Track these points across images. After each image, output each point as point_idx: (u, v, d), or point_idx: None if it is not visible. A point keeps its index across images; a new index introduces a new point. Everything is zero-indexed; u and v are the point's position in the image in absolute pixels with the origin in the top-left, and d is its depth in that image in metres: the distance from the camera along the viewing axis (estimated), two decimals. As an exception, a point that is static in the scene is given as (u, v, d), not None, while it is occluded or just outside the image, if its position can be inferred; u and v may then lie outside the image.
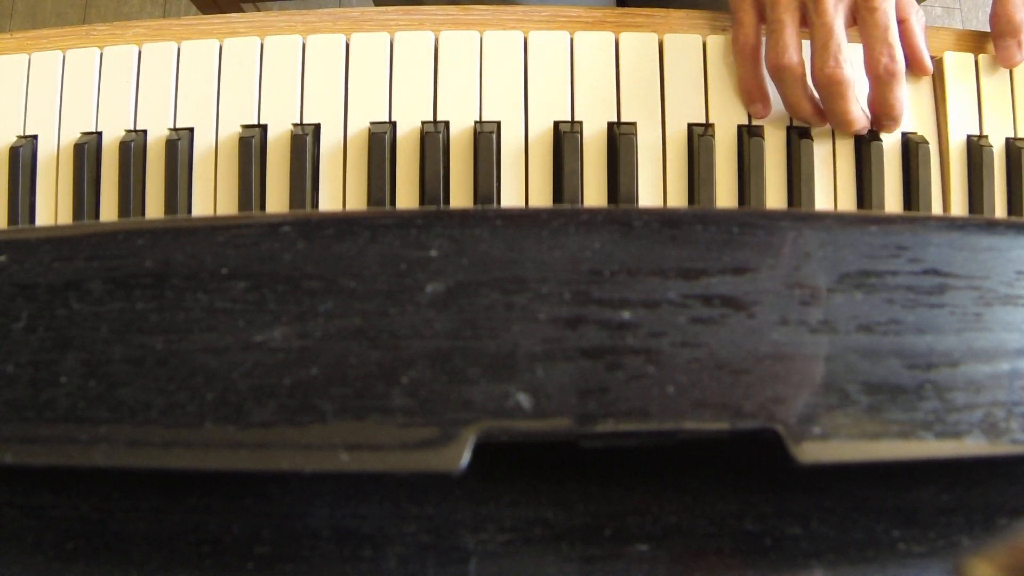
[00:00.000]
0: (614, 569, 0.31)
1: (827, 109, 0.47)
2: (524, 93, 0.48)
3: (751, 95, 0.48)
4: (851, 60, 0.46)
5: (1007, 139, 0.49)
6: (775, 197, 0.47)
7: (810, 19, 0.46)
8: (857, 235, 0.33)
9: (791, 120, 0.48)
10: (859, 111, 0.46)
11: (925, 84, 0.49)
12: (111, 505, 0.32)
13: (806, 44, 0.47)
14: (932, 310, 0.32)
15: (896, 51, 0.45)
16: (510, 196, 0.47)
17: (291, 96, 0.48)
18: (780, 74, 0.46)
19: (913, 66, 0.48)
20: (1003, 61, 0.49)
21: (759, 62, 0.47)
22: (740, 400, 0.30)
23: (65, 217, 0.47)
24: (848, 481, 0.33)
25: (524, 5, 0.51)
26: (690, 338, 0.31)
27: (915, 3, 0.48)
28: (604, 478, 0.33)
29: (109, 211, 0.47)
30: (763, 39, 0.48)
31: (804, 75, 0.46)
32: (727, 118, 0.48)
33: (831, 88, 0.45)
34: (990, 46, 0.50)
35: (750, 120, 0.48)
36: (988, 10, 0.48)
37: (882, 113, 0.47)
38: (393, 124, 0.47)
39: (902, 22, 0.47)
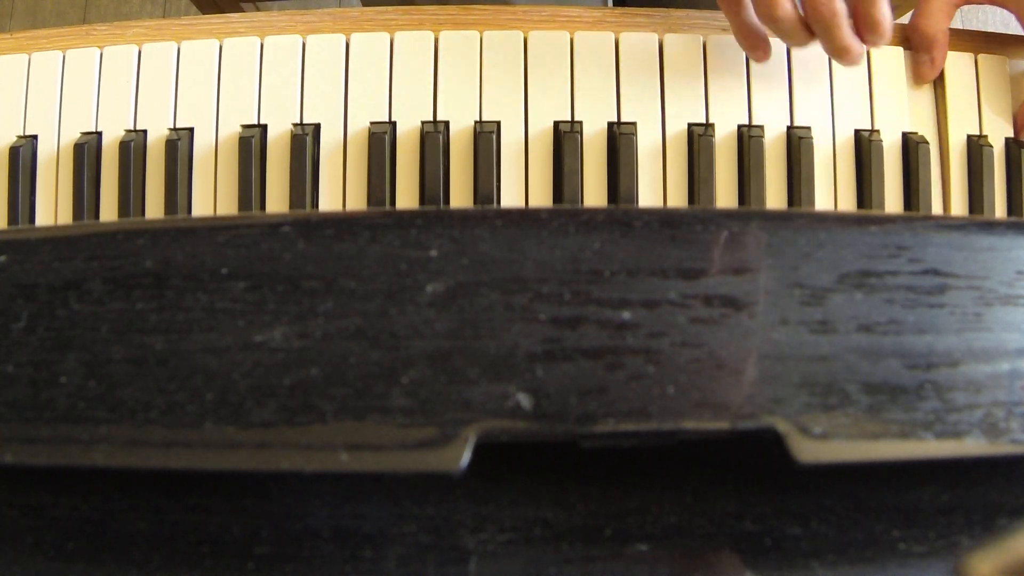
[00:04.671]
0: (614, 569, 0.31)
1: (824, 41, 0.46)
2: (524, 93, 0.48)
3: (750, 42, 0.47)
4: None
5: (1007, 139, 0.49)
6: (775, 197, 0.47)
7: None
8: (857, 235, 0.33)
9: (791, 120, 0.48)
10: (855, 40, 0.46)
11: (929, 84, 0.49)
12: (111, 505, 0.32)
13: None
14: (932, 310, 0.32)
15: None
16: (510, 196, 0.47)
17: (291, 96, 0.48)
18: (776, 25, 0.46)
19: None
20: (916, 77, 0.49)
21: (748, 9, 0.47)
22: (740, 400, 0.30)
23: (65, 217, 0.47)
24: (848, 481, 0.33)
25: (524, 5, 0.51)
26: (690, 338, 0.31)
27: None
28: (604, 478, 0.33)
29: (109, 211, 0.47)
30: None
31: (798, 16, 0.46)
32: (727, 118, 0.48)
33: (828, 19, 0.45)
34: (990, 46, 0.51)
35: (750, 120, 0.48)
36: (988, 10, 0.48)
37: (869, 28, 0.46)
38: (393, 124, 0.47)
39: None
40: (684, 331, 0.31)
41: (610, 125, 0.48)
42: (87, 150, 0.46)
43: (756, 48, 0.47)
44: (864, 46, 0.47)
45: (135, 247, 0.32)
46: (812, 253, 0.32)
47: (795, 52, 0.49)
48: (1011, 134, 0.49)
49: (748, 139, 0.47)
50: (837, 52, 0.46)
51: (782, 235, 0.33)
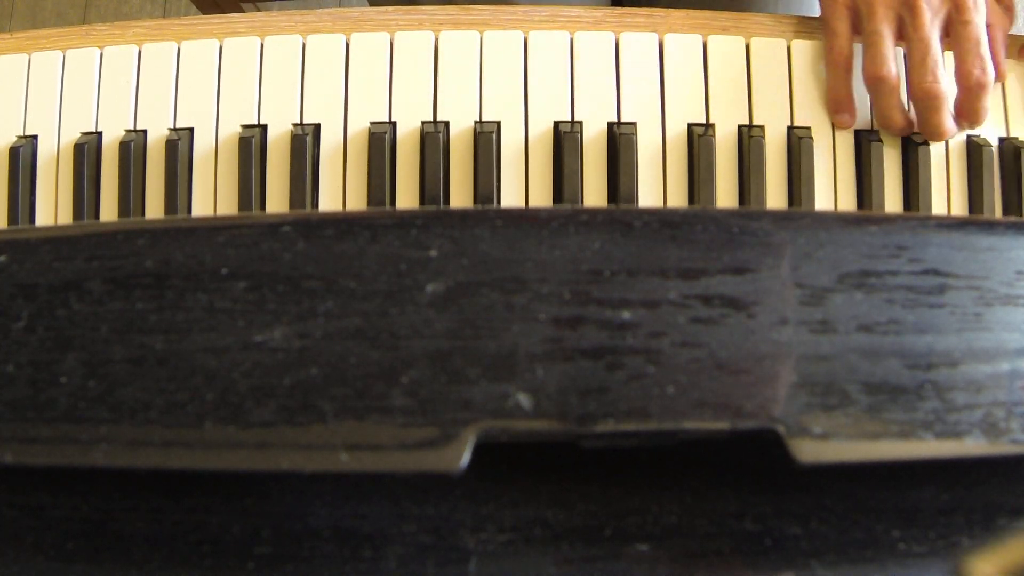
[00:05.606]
0: (614, 569, 0.31)
1: (921, 120, 0.47)
2: (524, 93, 0.48)
3: (840, 105, 0.48)
4: (946, 72, 0.46)
5: (1006, 139, 0.49)
6: (775, 197, 0.47)
7: (907, 33, 0.46)
8: (857, 235, 0.33)
9: (791, 120, 0.48)
10: (952, 123, 0.47)
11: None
12: (111, 505, 0.32)
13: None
14: (932, 310, 0.32)
15: (987, 63, 0.46)
16: (510, 196, 0.47)
17: (291, 96, 0.48)
18: (877, 85, 0.47)
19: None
20: None
21: (851, 72, 0.48)
22: (740, 400, 0.30)
23: (65, 217, 0.47)
24: (848, 481, 0.33)
25: (524, 5, 0.51)
26: (690, 338, 0.31)
27: (1001, 11, 0.49)
28: (604, 478, 0.33)
29: (109, 211, 0.47)
30: (855, 50, 0.48)
31: (899, 86, 0.47)
32: (727, 118, 0.48)
33: (928, 102, 0.46)
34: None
35: (750, 120, 0.48)
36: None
37: (968, 119, 0.47)
38: (393, 124, 0.47)
39: (988, 27, 0.47)
40: (684, 331, 0.31)
41: (610, 125, 0.48)
42: (87, 150, 0.46)
43: (844, 111, 0.48)
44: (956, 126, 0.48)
45: (135, 247, 0.32)
46: (812, 253, 0.32)
47: (795, 51, 0.49)
48: (1011, 134, 0.49)
49: (748, 139, 0.47)
50: (932, 135, 0.47)
51: (782, 235, 0.33)
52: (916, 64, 0.46)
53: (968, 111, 0.47)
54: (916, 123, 0.48)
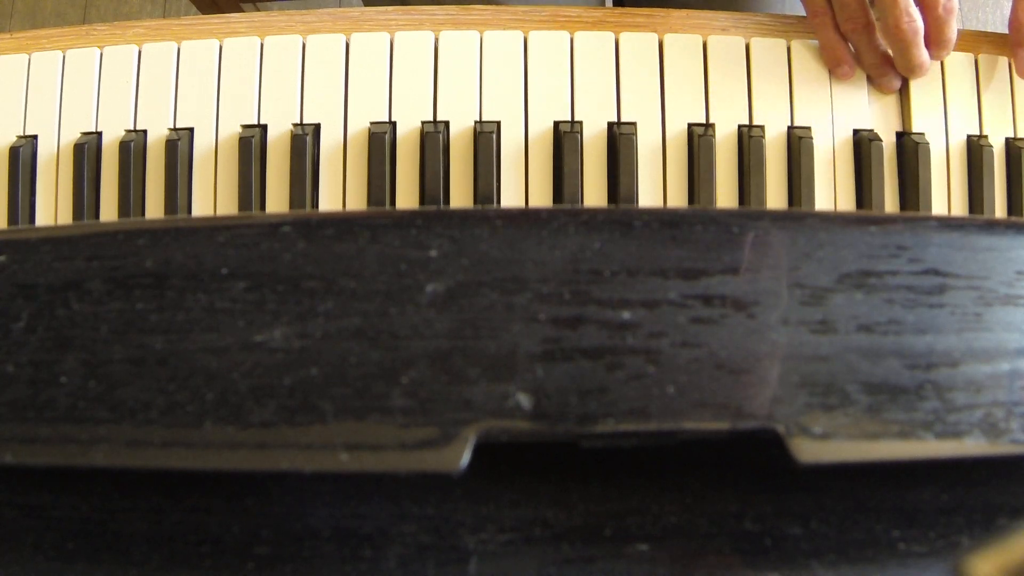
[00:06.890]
0: (614, 569, 0.31)
1: (900, 57, 0.49)
2: (524, 93, 0.48)
3: (837, 59, 0.49)
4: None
5: (1007, 139, 0.49)
6: (775, 197, 0.47)
7: None
8: (857, 235, 0.33)
9: (791, 120, 0.48)
10: (927, 55, 0.48)
11: (930, 84, 0.50)
12: (111, 505, 0.32)
13: None
14: (932, 310, 0.32)
15: None
16: (510, 196, 0.47)
17: (291, 96, 0.48)
18: (857, 37, 0.49)
19: None
20: (1020, 71, 0.50)
21: (837, 28, 0.49)
22: (740, 400, 0.30)
23: (65, 217, 0.47)
24: (848, 481, 0.33)
25: (524, 5, 0.51)
26: (690, 338, 0.31)
27: None
28: (604, 478, 0.33)
29: (109, 211, 0.47)
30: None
31: (875, 32, 0.49)
32: (727, 118, 0.48)
33: (909, 39, 0.47)
34: (990, 46, 0.51)
35: (750, 120, 0.48)
36: (988, 10, 0.49)
37: (940, 47, 0.49)
38: (393, 124, 0.47)
39: None
40: (684, 331, 0.31)
41: (610, 125, 0.48)
42: (87, 150, 0.46)
43: (840, 64, 0.49)
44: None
45: (135, 247, 0.32)
46: (812, 253, 0.32)
47: (795, 52, 0.49)
48: (1011, 134, 0.49)
49: (748, 139, 0.47)
50: (911, 69, 0.49)
51: (782, 235, 0.33)
52: (889, 7, 0.47)
53: (939, 40, 0.48)
54: (893, 61, 0.49)
